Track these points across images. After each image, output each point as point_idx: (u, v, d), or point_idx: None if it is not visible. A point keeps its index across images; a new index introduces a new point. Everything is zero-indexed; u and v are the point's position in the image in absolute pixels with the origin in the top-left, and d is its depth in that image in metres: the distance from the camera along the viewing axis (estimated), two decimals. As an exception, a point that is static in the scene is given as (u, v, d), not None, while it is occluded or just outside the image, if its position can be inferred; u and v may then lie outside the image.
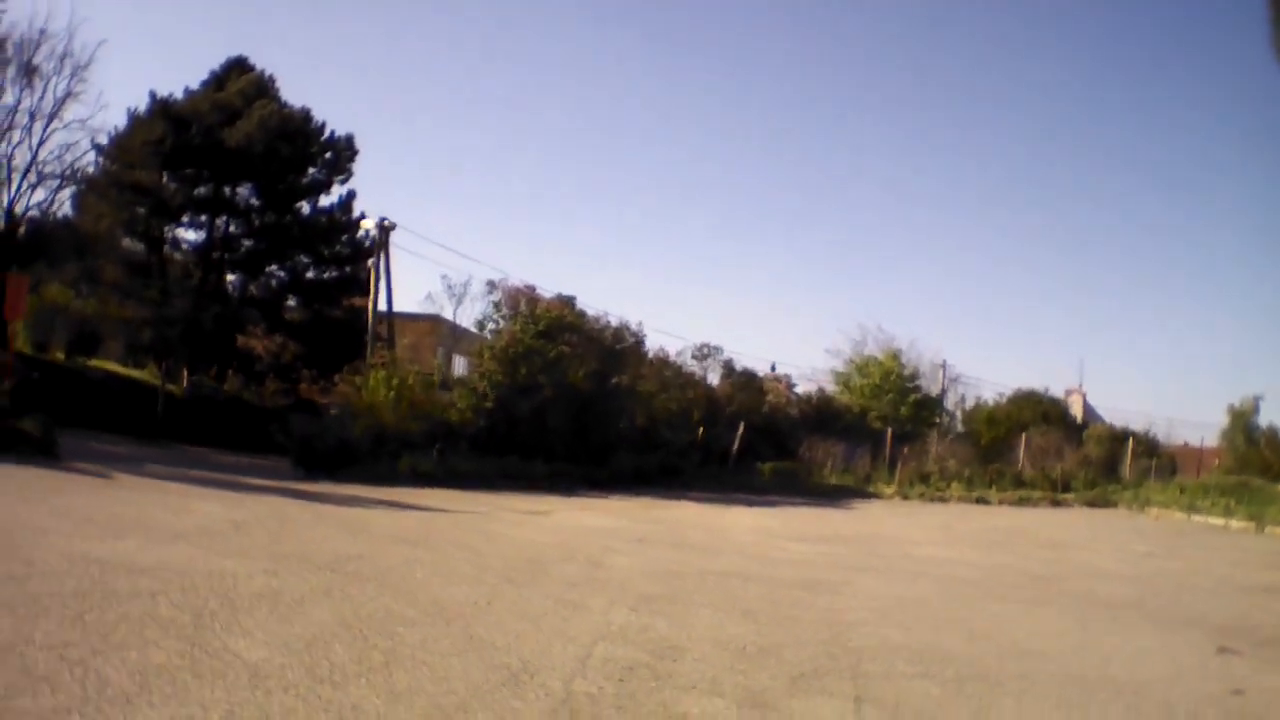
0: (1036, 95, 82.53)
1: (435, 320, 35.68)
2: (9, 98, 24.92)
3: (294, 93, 33.86)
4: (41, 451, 14.78)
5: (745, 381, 33.17)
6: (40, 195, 26.56)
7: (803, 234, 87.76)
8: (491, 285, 24.97)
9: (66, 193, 27.56)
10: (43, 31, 25.12)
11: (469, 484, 18.16)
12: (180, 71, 77.81)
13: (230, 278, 31.99)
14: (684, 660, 5.32)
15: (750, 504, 20.10)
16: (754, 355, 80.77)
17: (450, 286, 33.72)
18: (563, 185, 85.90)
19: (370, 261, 25.33)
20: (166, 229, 30.52)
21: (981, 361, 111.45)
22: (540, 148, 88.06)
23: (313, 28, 76.50)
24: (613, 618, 6.36)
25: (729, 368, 33.64)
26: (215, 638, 4.89)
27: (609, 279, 79.20)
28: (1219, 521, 22.04)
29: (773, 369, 39.35)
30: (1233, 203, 78.03)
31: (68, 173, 26.71)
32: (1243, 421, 51.36)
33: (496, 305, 23.34)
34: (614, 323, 24.96)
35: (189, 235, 31.53)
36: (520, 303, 22.40)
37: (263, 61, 32.48)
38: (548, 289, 24.92)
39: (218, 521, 9.42)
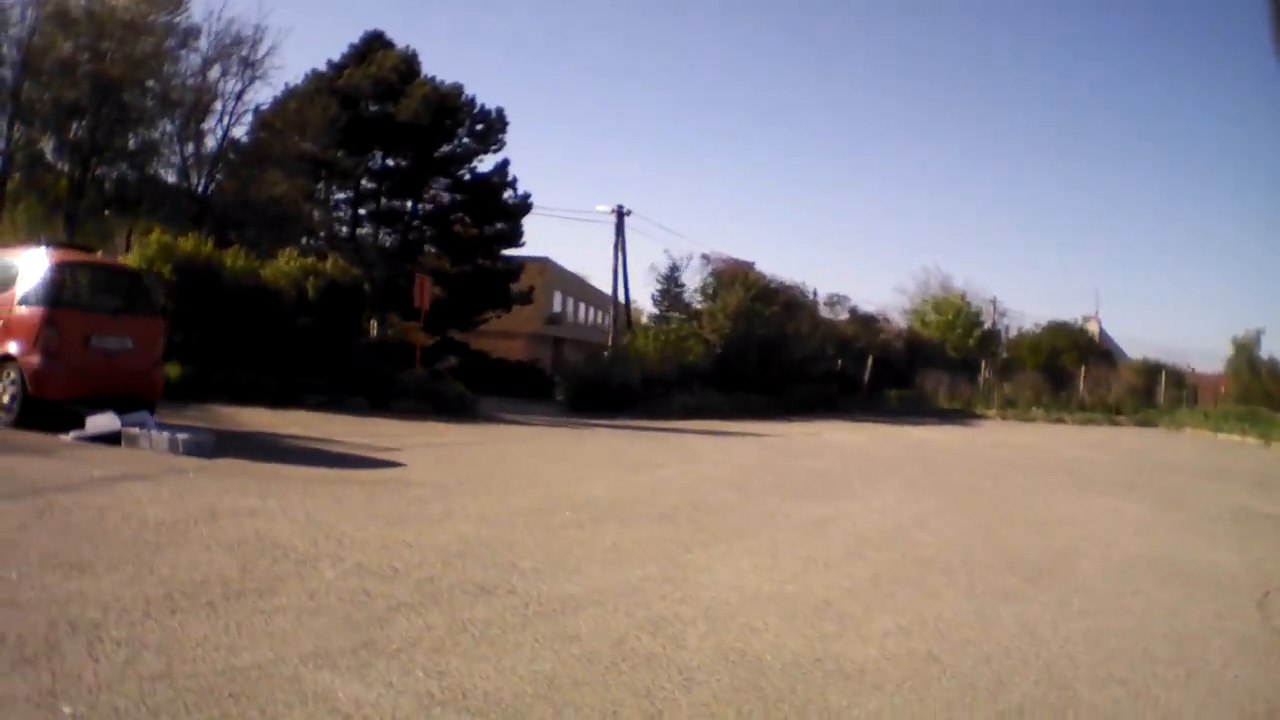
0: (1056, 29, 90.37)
1: (544, 262, 43.21)
2: (203, 82, 26.53)
3: (432, 67, 38.30)
4: (465, 411, 18.88)
5: (865, 323, 41.45)
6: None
7: (856, 181, 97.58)
8: (705, 258, 33.47)
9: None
10: (232, 22, 26.98)
11: (715, 415, 24.53)
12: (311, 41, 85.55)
13: (386, 235, 35.91)
14: (1036, 456, 13.76)
15: (909, 424, 28.08)
16: (820, 284, 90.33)
17: (674, 260, 43.41)
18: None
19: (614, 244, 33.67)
20: (333, 194, 34.77)
21: (1002, 290, 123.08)
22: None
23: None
24: (1004, 454, 14.84)
25: (853, 312, 42.03)
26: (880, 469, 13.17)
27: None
28: (1238, 439, 29.58)
29: (821, 296, 46.14)
30: (1232, 149, 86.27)
31: (247, 149, 28.57)
32: (1246, 353, 57.65)
33: (714, 275, 31.90)
34: (785, 281, 33.65)
35: (339, 195, 35.40)
36: (735, 276, 30.84)
37: (392, 33, 37.03)
38: (734, 255, 33.30)
39: (711, 449, 17.79)
